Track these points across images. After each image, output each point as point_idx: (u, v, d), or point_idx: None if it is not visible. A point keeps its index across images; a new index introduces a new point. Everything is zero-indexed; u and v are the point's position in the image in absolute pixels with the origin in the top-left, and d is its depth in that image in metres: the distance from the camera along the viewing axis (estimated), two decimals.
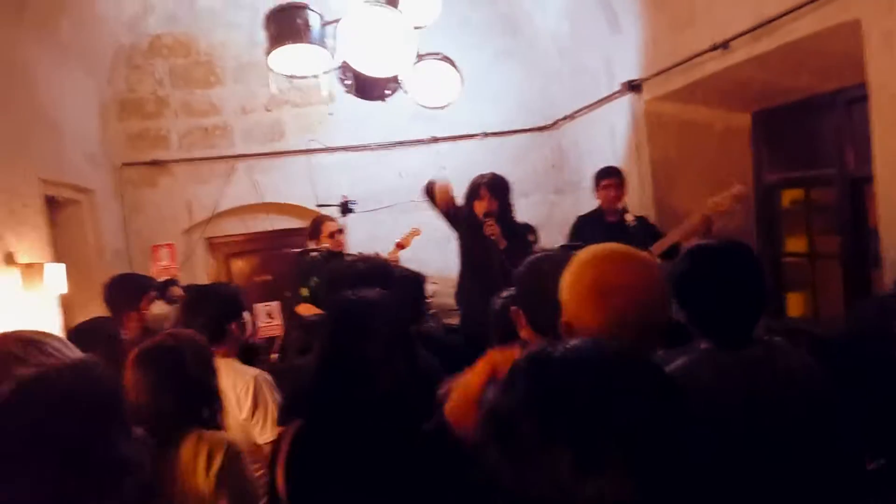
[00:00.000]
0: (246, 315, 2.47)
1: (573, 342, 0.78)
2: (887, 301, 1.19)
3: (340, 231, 4.24)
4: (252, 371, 2.30)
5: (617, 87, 4.23)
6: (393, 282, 2.18)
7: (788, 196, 3.89)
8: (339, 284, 2.19)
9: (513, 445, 0.71)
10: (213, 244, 5.58)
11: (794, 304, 3.83)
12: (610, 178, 3.89)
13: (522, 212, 4.14)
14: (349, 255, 3.97)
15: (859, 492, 1.50)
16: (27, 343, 1.14)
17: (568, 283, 1.24)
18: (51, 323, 3.60)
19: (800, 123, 3.61)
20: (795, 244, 3.83)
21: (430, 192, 3.90)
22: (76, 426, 0.88)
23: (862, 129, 2.64)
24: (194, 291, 2.66)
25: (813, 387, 1.53)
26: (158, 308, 3.17)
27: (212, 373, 1.83)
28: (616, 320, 1.16)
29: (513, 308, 1.48)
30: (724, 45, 3.15)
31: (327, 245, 4.11)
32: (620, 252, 1.25)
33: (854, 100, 3.01)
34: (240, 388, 2.19)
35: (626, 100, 4.17)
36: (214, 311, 2.32)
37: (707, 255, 1.61)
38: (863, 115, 2.57)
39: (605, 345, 0.79)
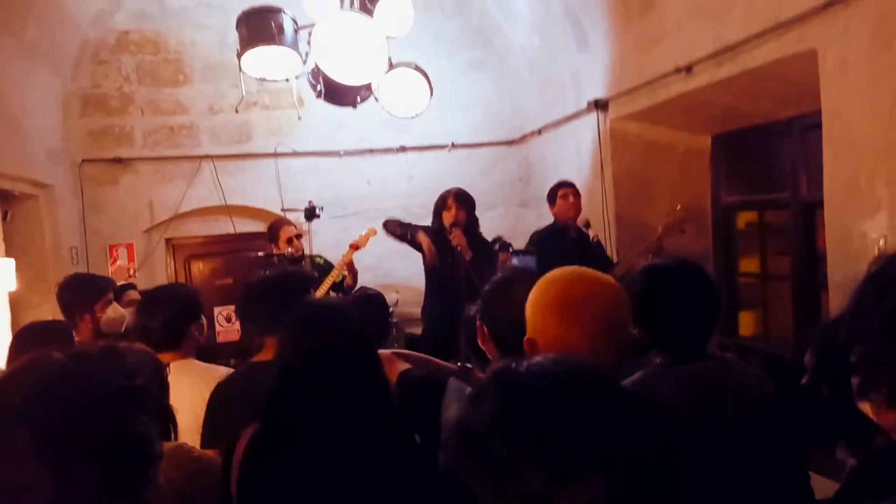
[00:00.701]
0: (203, 318, 2.43)
1: (536, 359, 0.81)
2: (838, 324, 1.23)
3: (299, 236, 4.16)
4: (221, 370, 2.26)
5: (584, 104, 4.32)
6: (305, 291, 2.20)
7: (744, 218, 4.01)
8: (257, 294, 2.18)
9: (483, 461, 0.73)
10: (173, 245, 5.49)
11: (746, 323, 3.95)
12: (568, 187, 3.86)
13: (487, 224, 4.19)
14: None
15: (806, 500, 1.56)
16: None
17: (532, 299, 1.26)
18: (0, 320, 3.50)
19: (757, 148, 3.74)
20: (749, 264, 3.95)
21: (394, 230, 3.94)
22: (113, 419, 0.88)
23: (815, 155, 2.75)
24: (151, 292, 2.60)
25: (765, 399, 1.59)
26: (113, 311, 3.07)
27: (165, 389, 1.78)
28: (580, 334, 1.18)
29: (479, 324, 1.51)
30: (688, 68, 3.25)
31: (291, 251, 4.06)
32: (586, 272, 1.29)
33: (809, 127, 3.13)
34: (203, 388, 2.15)
35: (593, 117, 4.26)
36: (172, 312, 2.26)
37: (662, 274, 1.67)
38: (817, 142, 2.68)
39: (567, 361, 0.82)
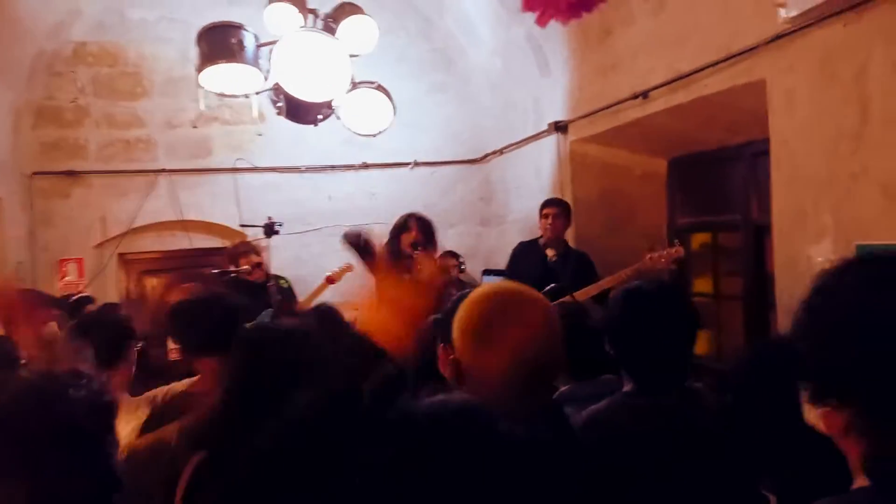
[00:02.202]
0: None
1: (436, 399, 0.88)
2: (782, 344, 1.27)
3: (260, 265, 3.98)
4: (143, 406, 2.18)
5: (544, 126, 4.40)
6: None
7: (698, 239, 4.12)
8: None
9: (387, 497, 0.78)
10: (126, 260, 5.35)
11: (700, 342, 4.02)
12: (550, 206, 3.89)
13: (448, 242, 4.22)
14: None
15: None
16: None
17: (457, 323, 1.23)
18: None
19: (710, 172, 3.86)
20: (703, 285, 4.05)
21: (353, 240, 3.77)
22: (84, 434, 0.89)
23: (766, 180, 2.84)
24: (81, 320, 2.48)
25: (724, 435, 1.57)
26: (50, 329, 2.93)
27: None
28: (502, 364, 1.15)
29: (440, 346, 1.49)
30: (644, 94, 3.35)
31: (247, 268, 3.97)
32: (508, 295, 1.24)
33: (759, 153, 3.23)
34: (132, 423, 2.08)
35: (553, 139, 4.34)
36: (110, 335, 2.15)
37: (639, 299, 1.63)
38: (767, 168, 2.78)
39: (457, 404, 0.88)
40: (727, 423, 1.55)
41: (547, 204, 3.94)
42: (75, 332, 2.24)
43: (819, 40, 2.35)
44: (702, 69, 2.90)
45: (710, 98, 2.96)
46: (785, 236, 2.62)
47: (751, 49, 2.63)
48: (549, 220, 3.86)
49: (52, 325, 2.77)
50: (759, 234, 3.40)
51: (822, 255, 2.42)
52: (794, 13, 2.38)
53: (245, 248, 4.07)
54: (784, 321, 2.58)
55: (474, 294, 1.26)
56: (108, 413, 0.96)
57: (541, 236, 3.94)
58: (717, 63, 2.81)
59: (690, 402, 1.58)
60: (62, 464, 0.85)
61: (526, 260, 3.88)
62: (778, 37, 2.49)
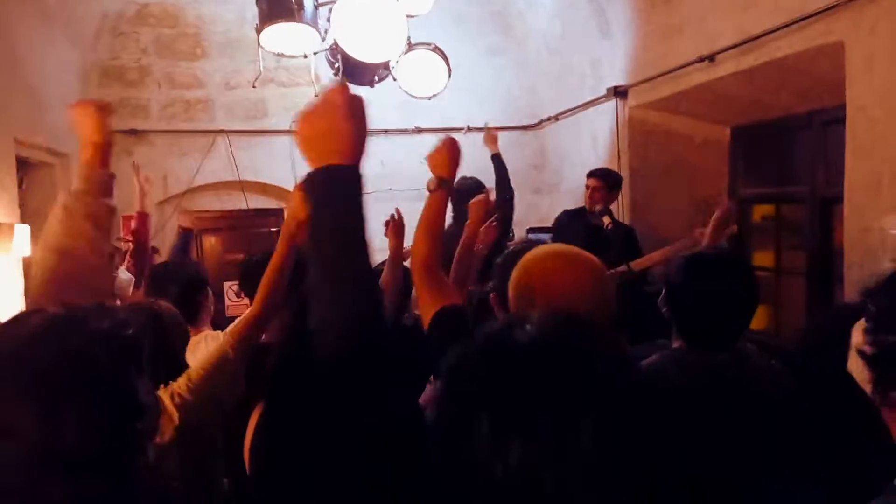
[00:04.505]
0: (209, 289, 2.47)
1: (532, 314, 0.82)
2: (846, 310, 1.22)
3: None
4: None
5: (603, 91, 4.28)
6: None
7: (759, 211, 3.98)
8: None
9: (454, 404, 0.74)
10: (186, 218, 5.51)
11: (757, 317, 3.91)
12: (590, 177, 3.87)
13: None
14: None
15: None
16: None
17: (513, 279, 1.27)
18: (13, 286, 3.54)
19: (776, 141, 3.70)
20: (763, 258, 3.92)
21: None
22: (101, 367, 0.89)
23: (835, 150, 2.71)
24: (155, 271, 2.63)
25: (778, 393, 1.57)
26: (122, 274, 3.16)
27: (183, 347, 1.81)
28: None
29: (492, 295, 1.51)
30: (711, 57, 3.21)
31: None
32: (566, 254, 1.28)
33: (830, 122, 3.09)
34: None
35: (611, 105, 4.22)
36: (182, 286, 2.30)
37: (700, 263, 1.65)
38: (837, 138, 2.65)
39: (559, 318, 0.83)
40: (779, 385, 1.54)
41: (589, 174, 3.89)
42: (152, 285, 2.35)
43: None
44: (774, 30, 2.76)
45: (782, 61, 2.82)
46: (856, 208, 2.50)
47: (829, 9, 2.48)
48: (588, 191, 3.84)
49: (124, 271, 2.94)
50: (826, 207, 3.26)
51: None
52: None
53: None
54: (851, 296, 2.48)
55: (531, 253, 1.30)
56: (130, 346, 0.95)
57: (585, 205, 3.90)
58: (791, 24, 2.67)
59: (740, 361, 1.58)
60: (74, 393, 0.86)
61: (572, 228, 3.85)
62: None
